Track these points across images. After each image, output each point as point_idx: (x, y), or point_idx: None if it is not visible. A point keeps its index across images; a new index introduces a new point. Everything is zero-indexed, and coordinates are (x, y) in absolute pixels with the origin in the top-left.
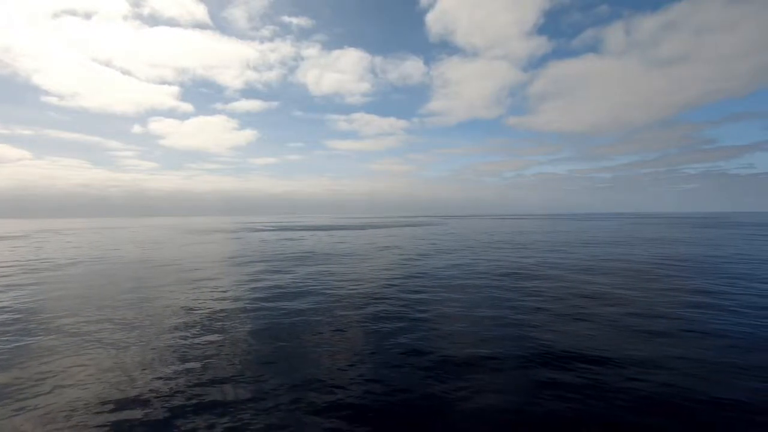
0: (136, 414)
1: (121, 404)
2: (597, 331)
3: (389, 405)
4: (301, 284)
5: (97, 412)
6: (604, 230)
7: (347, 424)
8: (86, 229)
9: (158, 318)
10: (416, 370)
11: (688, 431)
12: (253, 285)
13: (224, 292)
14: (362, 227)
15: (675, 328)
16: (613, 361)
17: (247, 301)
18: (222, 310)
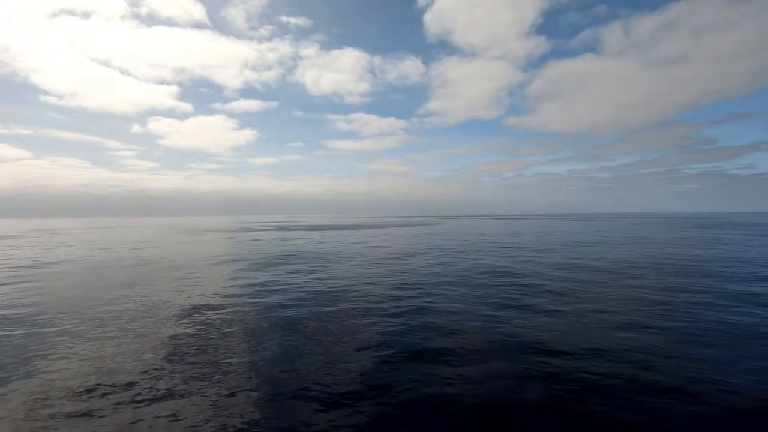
0: (94, 404)
1: (80, 394)
2: (561, 326)
3: (343, 395)
4: (280, 282)
5: (60, 403)
6: (599, 231)
7: (299, 413)
8: (83, 229)
9: (126, 313)
10: (378, 363)
11: (623, 414)
12: (231, 282)
13: (199, 288)
14: (358, 227)
15: (635, 324)
16: (569, 353)
17: (220, 297)
18: (192, 306)
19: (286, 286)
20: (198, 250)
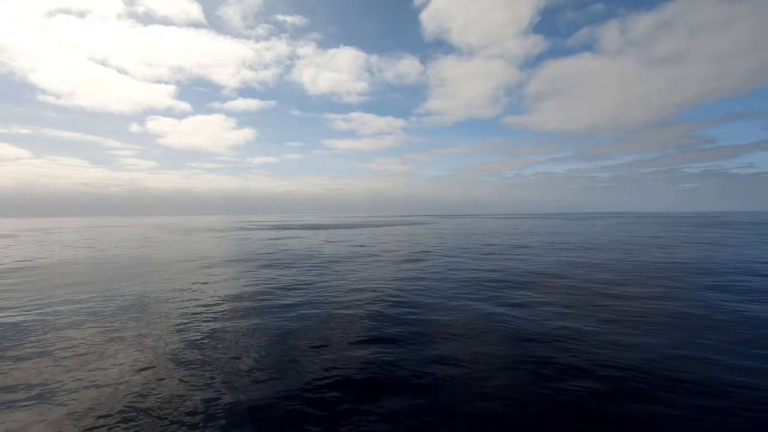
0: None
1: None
2: (504, 317)
3: (268, 379)
4: (243, 277)
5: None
6: (589, 230)
7: (217, 390)
8: (78, 229)
9: (79, 309)
10: (310, 350)
11: (525, 390)
12: (191, 278)
13: (154, 284)
14: (351, 226)
15: (573, 314)
16: (500, 342)
17: (173, 292)
18: (139, 301)
19: (247, 281)
20: (179, 248)
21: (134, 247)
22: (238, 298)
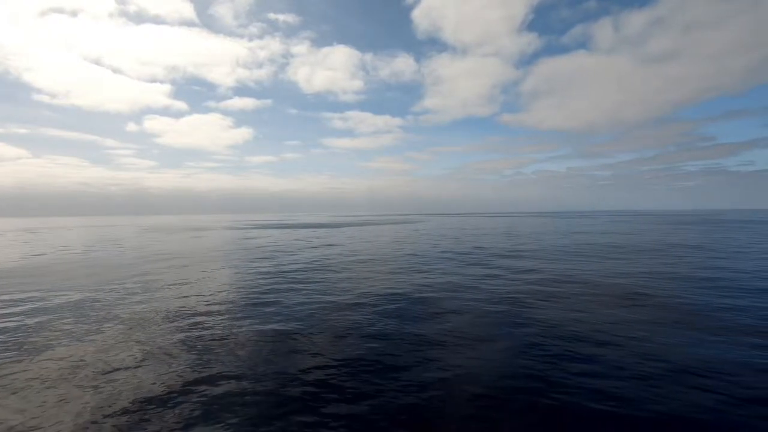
0: None
1: None
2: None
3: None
4: (203, 278)
5: None
6: (576, 230)
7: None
8: (70, 228)
9: (24, 309)
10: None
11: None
12: (133, 279)
13: (90, 280)
14: (340, 225)
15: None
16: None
17: (112, 286)
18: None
19: (170, 275)
20: (145, 247)
21: (107, 248)
22: (146, 289)
